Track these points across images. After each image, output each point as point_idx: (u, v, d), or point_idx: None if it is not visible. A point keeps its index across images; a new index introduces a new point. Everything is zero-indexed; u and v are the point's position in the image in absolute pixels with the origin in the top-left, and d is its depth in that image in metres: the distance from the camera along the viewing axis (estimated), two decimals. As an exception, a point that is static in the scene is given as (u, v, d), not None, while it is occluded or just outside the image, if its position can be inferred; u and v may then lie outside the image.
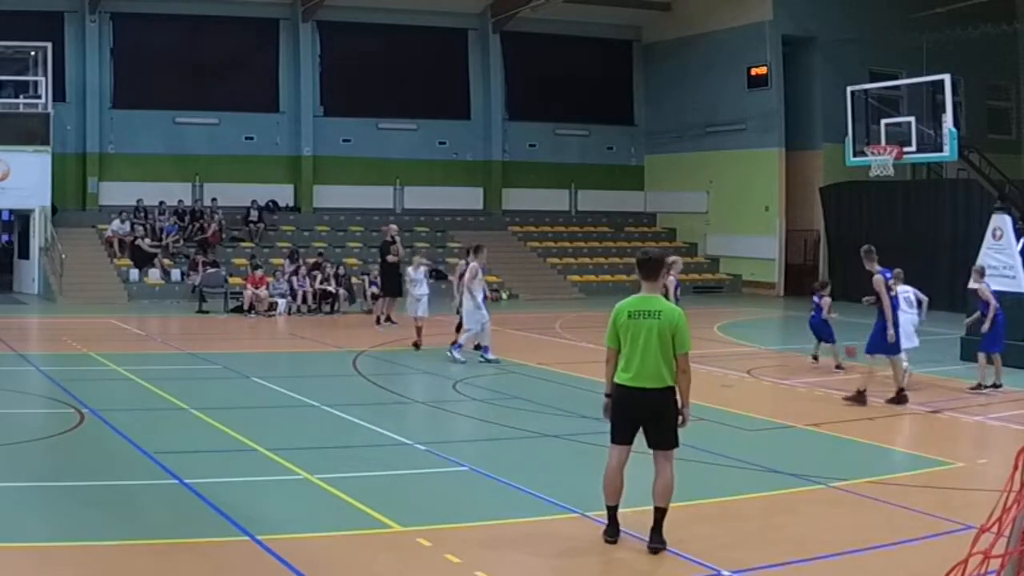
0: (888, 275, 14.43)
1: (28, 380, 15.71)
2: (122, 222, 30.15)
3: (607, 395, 8.07)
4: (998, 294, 16.65)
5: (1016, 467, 4.75)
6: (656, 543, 7.78)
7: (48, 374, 15.98)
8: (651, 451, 7.96)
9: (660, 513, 7.83)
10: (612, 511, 7.98)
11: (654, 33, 38.08)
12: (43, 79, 29.82)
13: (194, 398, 13.72)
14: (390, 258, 24.07)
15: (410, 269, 20.64)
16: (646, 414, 7.86)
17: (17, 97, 30.01)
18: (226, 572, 7.37)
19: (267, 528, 8.07)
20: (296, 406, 13.85)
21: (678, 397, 7.93)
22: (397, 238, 24.63)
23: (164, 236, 30.51)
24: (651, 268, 8.09)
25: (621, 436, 7.97)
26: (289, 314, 26.08)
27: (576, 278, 33.64)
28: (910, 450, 11.75)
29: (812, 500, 9.59)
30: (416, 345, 19.42)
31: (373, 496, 9.15)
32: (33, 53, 30.30)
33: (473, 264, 18.13)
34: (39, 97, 29.74)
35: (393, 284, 24.04)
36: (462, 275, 18.38)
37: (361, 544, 8.00)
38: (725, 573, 7.38)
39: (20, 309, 26.84)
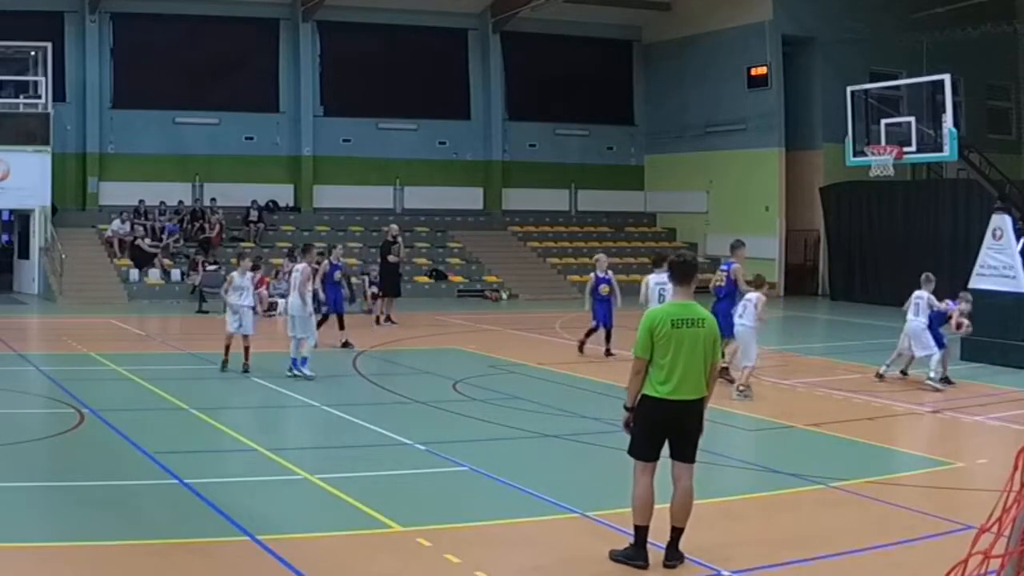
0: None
1: (28, 380, 15.71)
2: (122, 222, 30.14)
3: (628, 408, 7.59)
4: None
5: (1016, 467, 4.76)
6: (673, 559, 7.48)
7: (48, 374, 15.97)
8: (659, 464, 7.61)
9: (679, 533, 7.51)
10: (645, 532, 7.46)
11: (654, 33, 38.06)
12: (43, 79, 29.80)
13: (194, 398, 13.72)
14: (391, 258, 24.07)
15: (235, 273, 16.66)
16: (681, 426, 7.45)
17: (17, 97, 29.99)
18: (226, 572, 7.37)
19: (267, 528, 8.07)
20: (296, 406, 13.85)
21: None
22: (399, 238, 24.63)
23: (165, 236, 30.53)
24: (685, 272, 7.66)
25: (654, 453, 7.50)
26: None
27: (576, 278, 33.55)
28: (910, 450, 11.76)
29: (812, 500, 9.59)
30: (246, 368, 15.99)
31: (373, 496, 9.15)
32: (33, 53, 30.28)
33: (302, 265, 16.30)
34: (39, 97, 29.72)
35: (393, 284, 24.10)
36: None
37: (361, 544, 8.00)
38: (725, 573, 7.38)
39: (20, 309, 26.83)
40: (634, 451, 7.57)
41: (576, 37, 36.80)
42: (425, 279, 31.88)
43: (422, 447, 11.19)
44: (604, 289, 18.71)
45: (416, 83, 35.26)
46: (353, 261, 30.14)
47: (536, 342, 21.37)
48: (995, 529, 4.71)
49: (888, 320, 26.32)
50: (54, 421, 12.33)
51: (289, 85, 34.30)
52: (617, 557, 7.53)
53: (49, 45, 29.93)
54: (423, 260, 32.79)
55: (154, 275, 29.31)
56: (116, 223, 30.14)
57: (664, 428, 7.47)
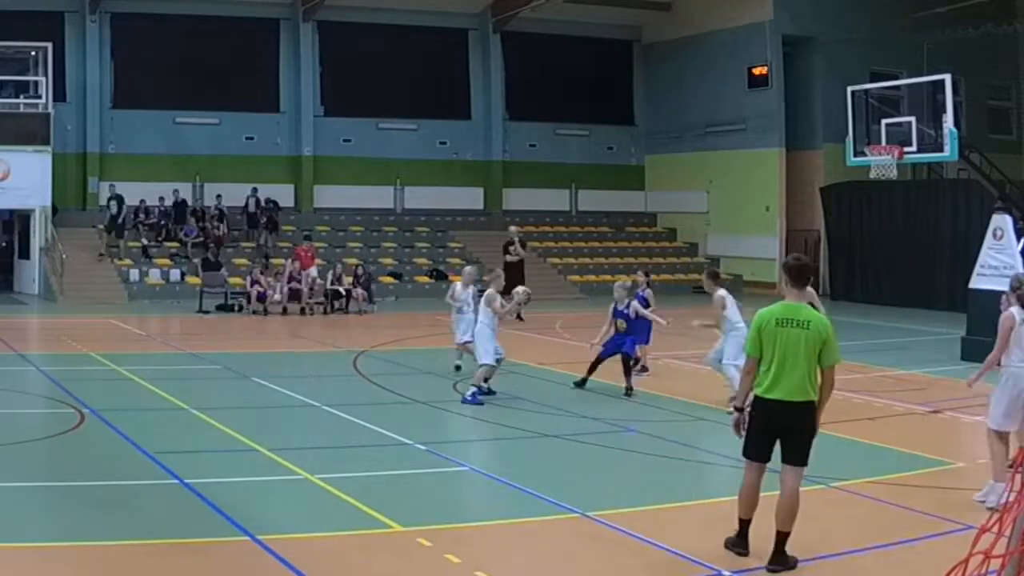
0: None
1: (28, 380, 15.71)
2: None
3: (739, 409, 7.68)
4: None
5: (1016, 467, 4.76)
6: (776, 564, 7.42)
7: (48, 374, 15.98)
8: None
9: (783, 536, 7.48)
10: (745, 525, 7.69)
11: (654, 33, 38.07)
12: (43, 79, 29.79)
13: (194, 398, 13.72)
14: (508, 257, 25.32)
15: (458, 287, 16.66)
16: (785, 428, 7.48)
17: (17, 97, 29.98)
18: (226, 572, 7.37)
19: (267, 528, 8.07)
20: (296, 406, 13.85)
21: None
22: (515, 239, 26.06)
23: (185, 236, 30.67)
24: (800, 274, 7.69)
25: (758, 452, 7.62)
26: (287, 313, 26.06)
27: (576, 278, 33.62)
28: (910, 450, 11.75)
29: (812, 500, 9.56)
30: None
31: (373, 496, 9.15)
32: (33, 53, 30.26)
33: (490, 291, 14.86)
34: (39, 97, 29.70)
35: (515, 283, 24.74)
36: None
37: (361, 544, 8.00)
38: (725, 573, 7.38)
39: (20, 309, 26.83)
40: (744, 448, 7.75)
41: (576, 37, 36.80)
42: (425, 279, 31.87)
43: (422, 447, 11.19)
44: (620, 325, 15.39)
45: (416, 83, 35.26)
46: (353, 260, 30.10)
47: (536, 342, 21.36)
48: (995, 529, 4.71)
49: (888, 320, 26.38)
50: (54, 421, 12.33)
51: (289, 85, 34.30)
52: (726, 543, 7.78)
53: (49, 45, 29.91)
54: (423, 260, 32.78)
55: (154, 275, 29.32)
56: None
57: (765, 428, 7.55)
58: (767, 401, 7.48)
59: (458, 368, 16.27)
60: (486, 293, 14.50)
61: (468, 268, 17.63)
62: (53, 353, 18.78)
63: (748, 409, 7.69)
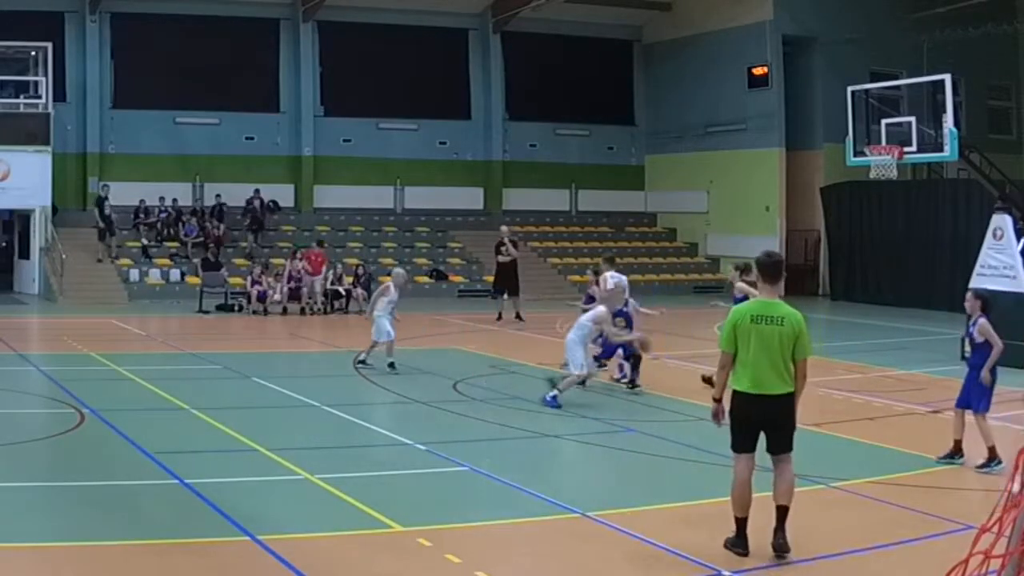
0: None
1: (28, 380, 15.71)
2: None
3: (717, 400, 7.91)
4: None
5: (1016, 467, 4.76)
6: (780, 539, 7.68)
7: (48, 374, 15.98)
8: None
9: (783, 511, 7.75)
10: (743, 523, 7.78)
11: (654, 33, 38.06)
12: (43, 79, 29.80)
13: (194, 398, 13.72)
14: (500, 259, 25.40)
15: (392, 289, 16.99)
16: (768, 420, 7.72)
17: (17, 97, 29.99)
18: (226, 572, 7.37)
19: (267, 528, 8.07)
20: (296, 406, 13.85)
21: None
22: (506, 239, 25.91)
23: (185, 236, 30.65)
24: (774, 271, 7.89)
25: (744, 444, 7.80)
26: (287, 313, 26.05)
27: (576, 278, 33.57)
28: (910, 450, 11.75)
29: (812, 500, 9.58)
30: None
31: (373, 496, 9.16)
32: (33, 53, 30.28)
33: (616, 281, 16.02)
34: (39, 97, 29.71)
35: (511, 283, 25.36)
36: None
37: (361, 544, 8.00)
38: (725, 573, 7.39)
39: (20, 309, 26.83)
40: (731, 443, 7.87)
41: (576, 37, 36.80)
42: (425, 279, 31.87)
43: (422, 447, 11.19)
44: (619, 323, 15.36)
45: (416, 83, 35.26)
46: (354, 260, 30.10)
47: (536, 342, 21.35)
48: (995, 529, 4.71)
49: (888, 320, 26.38)
50: (54, 421, 12.33)
51: (289, 85, 34.30)
52: (725, 544, 7.81)
53: (49, 45, 29.92)
54: (423, 260, 32.79)
55: (154, 275, 29.32)
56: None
57: (752, 422, 7.73)
58: (748, 395, 7.68)
59: (392, 366, 16.36)
60: (599, 312, 14.46)
61: (399, 271, 18.01)
62: (53, 353, 18.78)
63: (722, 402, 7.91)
